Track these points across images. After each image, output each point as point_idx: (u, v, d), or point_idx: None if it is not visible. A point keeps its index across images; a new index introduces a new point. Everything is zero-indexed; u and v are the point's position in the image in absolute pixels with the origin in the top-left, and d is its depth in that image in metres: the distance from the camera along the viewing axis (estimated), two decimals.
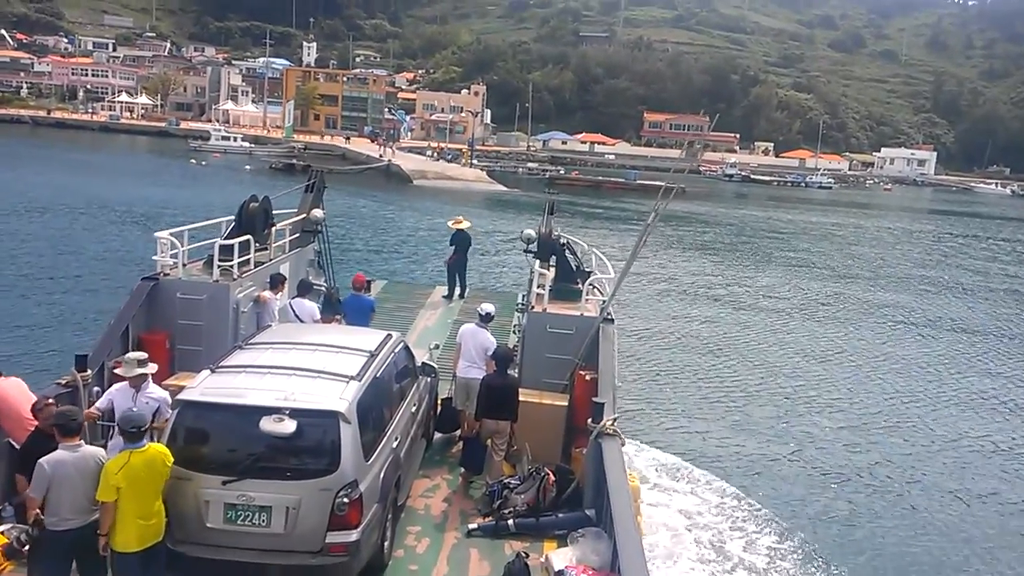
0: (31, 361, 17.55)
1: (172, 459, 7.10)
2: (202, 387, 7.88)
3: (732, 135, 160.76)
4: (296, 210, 16.91)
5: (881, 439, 18.85)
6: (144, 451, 6.97)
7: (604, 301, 12.65)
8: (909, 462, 17.61)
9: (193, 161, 77.43)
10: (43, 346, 19.64)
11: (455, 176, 75.65)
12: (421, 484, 10.41)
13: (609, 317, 12.16)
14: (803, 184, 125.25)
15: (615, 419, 9.33)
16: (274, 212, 15.06)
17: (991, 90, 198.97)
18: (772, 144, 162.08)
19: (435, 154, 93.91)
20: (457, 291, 19.05)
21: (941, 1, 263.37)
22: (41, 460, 6.87)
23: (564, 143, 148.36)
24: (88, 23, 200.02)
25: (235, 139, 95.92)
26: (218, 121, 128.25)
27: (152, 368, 8.65)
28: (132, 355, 8.71)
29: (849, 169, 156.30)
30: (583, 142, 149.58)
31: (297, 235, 16.45)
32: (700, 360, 24.09)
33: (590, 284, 13.50)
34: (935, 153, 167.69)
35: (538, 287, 13.13)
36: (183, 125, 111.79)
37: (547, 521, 9.32)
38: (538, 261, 14.51)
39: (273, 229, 15.00)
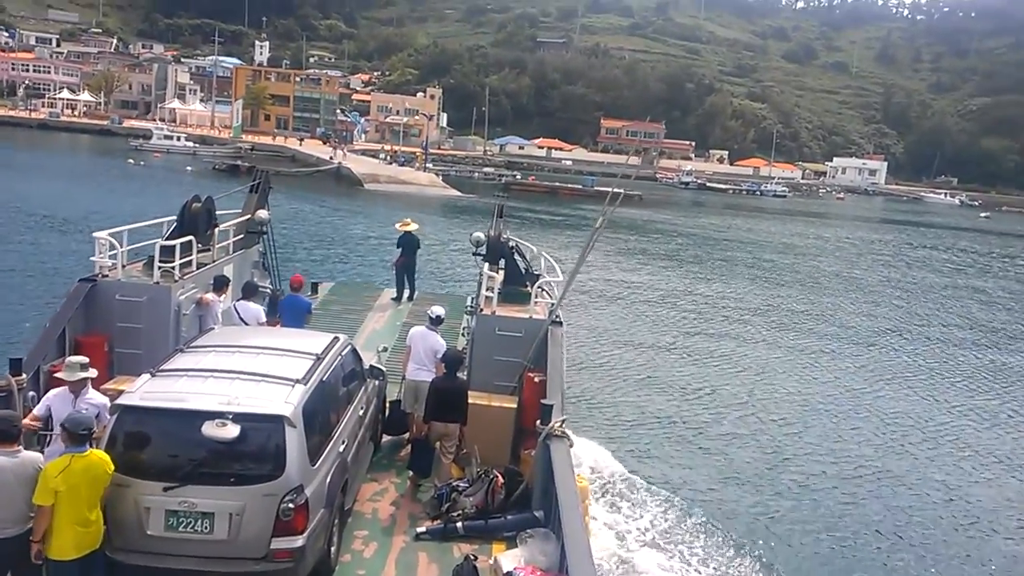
0: None
1: (113, 466, 6.85)
2: (142, 391, 7.57)
3: (687, 143, 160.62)
4: (241, 211, 16.34)
5: (822, 435, 19.16)
6: (85, 456, 6.73)
7: (553, 304, 12.54)
8: (853, 453, 18.11)
9: (131, 161, 73.35)
10: None
11: (408, 180, 72.82)
12: (369, 488, 10.20)
13: (558, 320, 12.00)
14: (758, 192, 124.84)
15: (563, 421, 9.27)
16: (218, 213, 14.56)
17: (939, 102, 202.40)
18: (727, 152, 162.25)
19: (388, 157, 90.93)
20: (406, 293, 18.85)
21: (890, 15, 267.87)
22: None
23: (521, 148, 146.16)
24: (32, 17, 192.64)
25: (178, 138, 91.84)
26: (163, 120, 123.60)
27: (93, 373, 8.33)
28: (74, 359, 8.34)
29: (802, 178, 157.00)
30: (540, 147, 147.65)
31: (242, 236, 15.92)
32: (650, 362, 24.08)
33: (539, 287, 13.29)
34: (885, 163, 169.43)
35: (487, 290, 12.90)
36: (126, 123, 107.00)
37: (496, 523, 9.23)
38: (487, 264, 14.21)
39: (216, 230, 14.46)
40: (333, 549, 8.24)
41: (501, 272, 13.88)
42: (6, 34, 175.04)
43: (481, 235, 15.71)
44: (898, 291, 43.60)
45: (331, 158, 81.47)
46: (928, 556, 14.24)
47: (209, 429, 6.98)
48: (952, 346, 30.75)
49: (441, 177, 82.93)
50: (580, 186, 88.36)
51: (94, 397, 8.18)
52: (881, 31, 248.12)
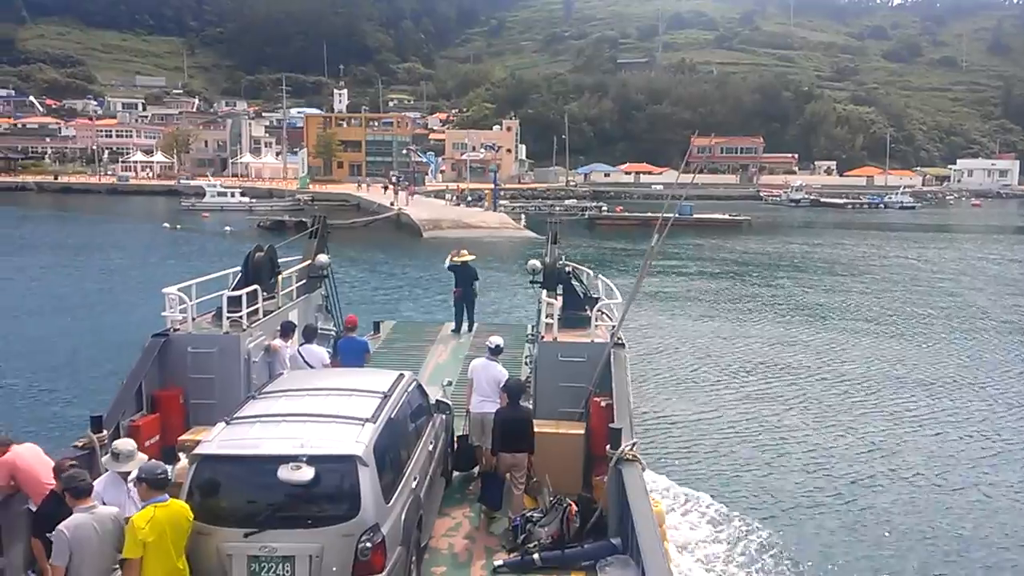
0: (45, 426, 16.22)
1: (192, 514, 6.77)
2: (218, 440, 7.48)
3: (790, 155, 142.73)
4: (301, 257, 16.01)
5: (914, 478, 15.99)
6: (168, 505, 6.66)
7: (614, 326, 12.11)
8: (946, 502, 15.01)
9: (167, 226, 63.24)
10: (53, 410, 18.08)
11: (474, 224, 59.49)
12: (443, 524, 9.83)
13: (620, 342, 11.67)
14: (881, 205, 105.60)
15: (634, 444, 9.00)
16: (280, 260, 14.32)
17: None
18: (835, 163, 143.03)
19: (455, 198, 78.99)
20: (465, 325, 18.21)
21: (998, 3, 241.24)
22: (60, 526, 6.46)
23: (607, 175, 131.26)
24: (121, 85, 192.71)
25: (232, 194, 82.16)
26: (238, 176, 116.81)
27: (144, 458, 7.51)
28: (124, 445, 7.60)
29: (923, 184, 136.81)
30: (627, 173, 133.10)
31: (304, 281, 15.71)
32: (716, 377, 22.46)
33: (598, 310, 12.84)
34: (1018, 162, 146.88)
35: (547, 316, 12.47)
36: (194, 182, 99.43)
37: (573, 552, 8.80)
38: (545, 291, 13.72)
39: (280, 277, 14.32)
40: None
41: (560, 298, 13.30)
42: (95, 103, 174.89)
43: (537, 263, 15.30)
44: None
45: (392, 204, 70.31)
46: None
47: (285, 473, 6.83)
48: None
49: (521, 215, 70.56)
50: (676, 214, 74.13)
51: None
52: (990, 20, 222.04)
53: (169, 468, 7.39)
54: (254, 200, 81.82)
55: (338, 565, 6.98)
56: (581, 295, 14.11)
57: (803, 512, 14.68)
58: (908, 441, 18.25)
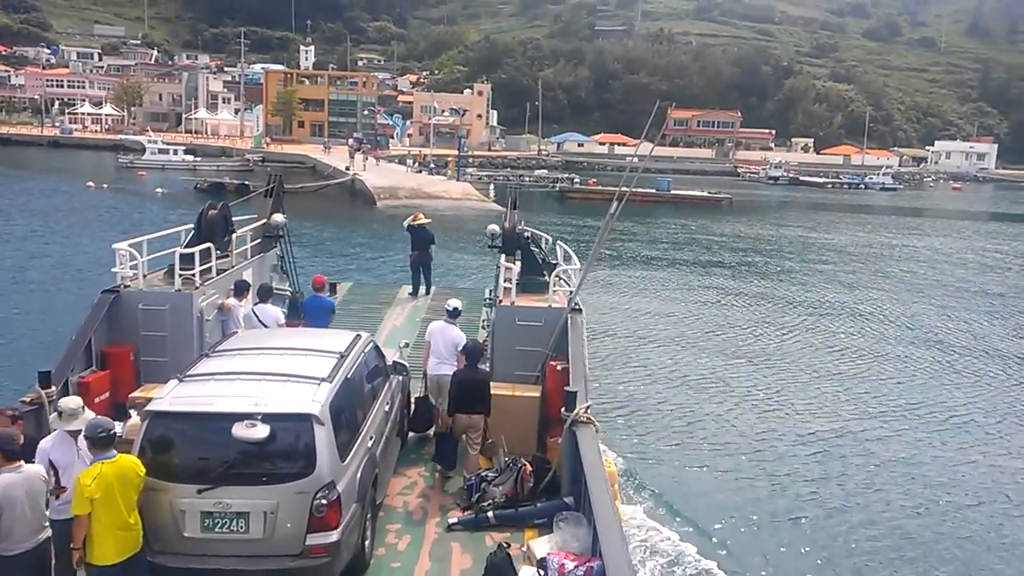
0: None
1: (144, 469, 6.70)
2: (171, 397, 7.42)
3: (767, 131, 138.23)
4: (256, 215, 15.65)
5: (858, 442, 16.73)
6: (115, 461, 6.58)
7: (571, 292, 12.14)
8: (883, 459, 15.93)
9: (91, 185, 55.89)
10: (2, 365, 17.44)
11: (435, 194, 53.44)
12: (398, 482, 9.91)
13: (577, 307, 11.71)
14: (861, 185, 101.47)
15: (588, 407, 9.07)
16: (234, 219, 14.09)
17: None
18: (812, 140, 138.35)
19: (417, 164, 71.81)
20: (422, 289, 18.36)
21: None
22: None
23: (580, 145, 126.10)
24: (78, 33, 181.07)
25: (175, 152, 74.86)
26: (192, 132, 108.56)
27: (90, 415, 7.28)
28: (70, 403, 7.34)
29: (899, 165, 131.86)
30: (601, 143, 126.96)
31: (259, 241, 15.34)
32: (674, 348, 22.86)
33: (556, 276, 12.88)
34: (995, 146, 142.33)
35: (505, 281, 12.52)
36: (137, 137, 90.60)
37: (526, 511, 9.02)
38: (504, 255, 13.78)
39: (234, 236, 14.10)
40: (367, 543, 7.97)
41: (518, 263, 13.55)
42: (48, 51, 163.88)
43: (496, 227, 15.27)
44: None
45: (347, 168, 62.92)
46: None
47: (239, 430, 6.81)
48: None
49: (490, 185, 63.54)
50: (653, 190, 67.35)
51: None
52: (970, 3, 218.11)
53: (118, 425, 7.44)
54: (199, 159, 74.63)
55: (293, 522, 6.97)
56: (539, 260, 14.11)
57: (752, 473, 15.01)
58: (863, 409, 18.60)
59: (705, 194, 69.33)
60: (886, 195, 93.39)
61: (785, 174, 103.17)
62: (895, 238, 53.33)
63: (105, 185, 57.26)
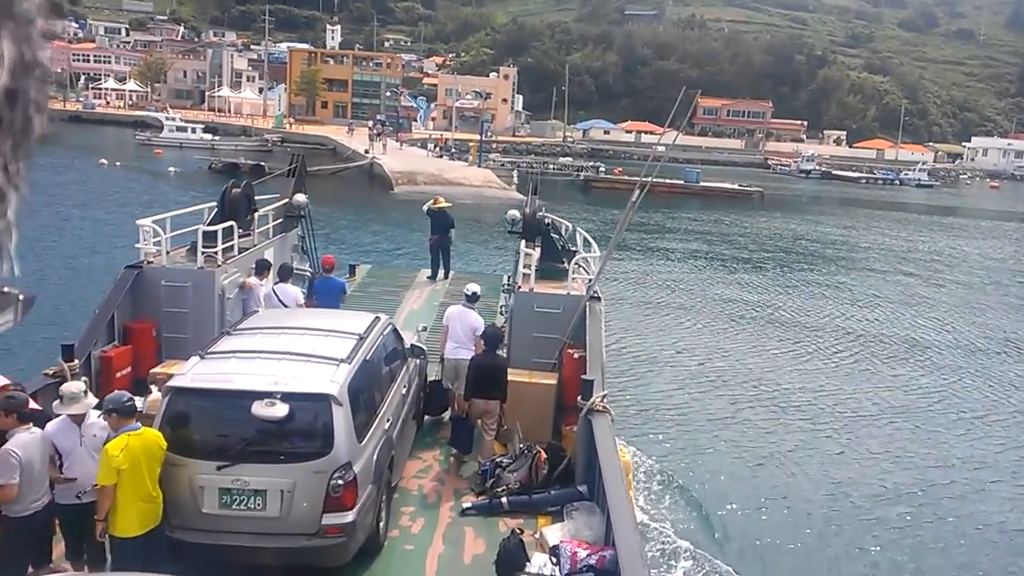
0: (15, 354, 15.40)
1: (166, 443, 6.85)
2: (192, 373, 7.54)
3: (799, 122, 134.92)
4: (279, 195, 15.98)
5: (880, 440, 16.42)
6: (141, 433, 6.71)
7: (590, 279, 12.29)
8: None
9: (104, 162, 54.68)
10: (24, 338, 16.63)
11: (455, 180, 51.66)
12: (413, 465, 9.98)
13: (596, 295, 11.71)
14: (896, 181, 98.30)
15: (604, 396, 9.11)
16: (256, 197, 14.36)
17: None
18: (845, 132, 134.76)
19: (438, 148, 69.69)
20: (441, 272, 18.47)
21: None
22: (9, 447, 6.50)
23: (607, 132, 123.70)
24: (106, 8, 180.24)
25: (193, 130, 73.44)
26: (216, 110, 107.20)
27: (94, 400, 7.29)
28: (72, 387, 7.20)
29: (934, 161, 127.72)
30: (628, 131, 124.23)
31: (280, 220, 15.59)
32: (695, 342, 22.69)
33: (576, 263, 12.74)
34: None
35: (524, 267, 12.57)
36: (157, 114, 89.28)
37: (540, 498, 9.02)
38: (523, 242, 13.78)
39: (256, 215, 14.29)
40: (382, 524, 8.05)
41: (537, 249, 13.35)
42: (75, 25, 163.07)
43: (516, 213, 15.27)
44: None
45: (367, 151, 60.97)
46: None
47: (258, 409, 6.88)
48: None
49: (514, 172, 61.23)
50: (681, 181, 64.72)
51: (99, 421, 7.09)
52: None
53: (138, 400, 7.59)
54: (218, 138, 73.04)
55: (309, 500, 7.02)
56: (559, 247, 14.08)
57: (769, 468, 14.82)
58: (887, 410, 18.25)
59: (735, 187, 66.78)
60: (922, 192, 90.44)
61: (817, 167, 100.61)
62: (935, 240, 51.12)
63: (119, 163, 56.08)
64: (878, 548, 12.53)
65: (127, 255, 11.80)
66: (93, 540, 6.78)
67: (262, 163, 51.15)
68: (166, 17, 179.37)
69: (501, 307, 15.50)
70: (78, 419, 7.05)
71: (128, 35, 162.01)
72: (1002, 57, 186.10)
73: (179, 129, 73.52)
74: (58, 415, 7.13)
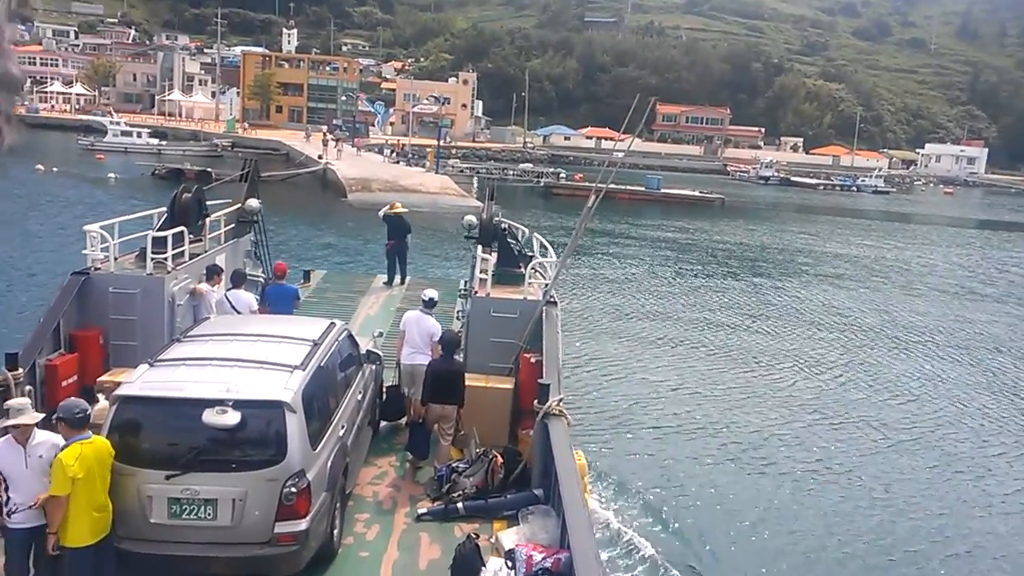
0: None
1: (113, 451, 6.78)
2: (140, 381, 7.39)
3: (756, 129, 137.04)
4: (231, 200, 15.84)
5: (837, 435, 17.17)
6: (92, 442, 6.64)
7: (547, 284, 12.28)
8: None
9: (40, 168, 52.88)
10: None
11: (410, 187, 51.07)
12: (368, 472, 9.92)
13: (552, 300, 11.77)
14: (854, 188, 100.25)
15: (560, 400, 9.15)
16: (208, 202, 14.15)
17: None
18: (802, 139, 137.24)
19: (395, 154, 69.13)
20: (397, 279, 18.52)
21: None
22: None
23: (567, 139, 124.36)
24: (54, 10, 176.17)
25: (138, 134, 71.84)
26: (166, 115, 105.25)
27: (37, 417, 6.90)
28: (15, 403, 6.93)
29: (889, 167, 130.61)
30: (588, 137, 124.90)
31: (233, 225, 15.41)
32: (652, 347, 23.02)
33: (532, 268, 12.96)
34: (986, 150, 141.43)
35: (481, 272, 12.58)
36: (108, 118, 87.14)
37: (496, 502, 9.03)
38: (480, 247, 13.63)
39: (208, 220, 14.05)
40: (336, 532, 8.02)
41: (494, 254, 13.42)
42: (22, 27, 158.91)
43: (473, 218, 15.42)
44: None
45: (320, 156, 60.24)
46: None
47: (209, 416, 6.79)
48: None
49: (473, 178, 60.91)
50: (642, 188, 65.18)
51: (45, 438, 6.83)
52: (960, 5, 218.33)
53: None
54: (164, 143, 71.44)
55: (261, 509, 6.95)
56: (516, 252, 14.19)
57: (723, 469, 15.10)
58: (839, 411, 18.66)
59: (697, 193, 67.39)
60: (879, 199, 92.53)
61: (776, 174, 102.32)
62: (900, 248, 51.37)
63: (55, 168, 54.13)
64: (836, 543, 12.77)
65: (65, 262, 11.60)
66: (45, 554, 6.55)
67: (208, 169, 50.02)
68: (116, 20, 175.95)
69: (458, 312, 15.52)
70: (22, 438, 6.73)
71: (77, 38, 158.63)
72: (953, 66, 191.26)
73: (124, 134, 71.87)
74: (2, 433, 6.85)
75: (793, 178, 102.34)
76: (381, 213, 18.70)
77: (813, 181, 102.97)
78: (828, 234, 55.28)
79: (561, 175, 73.50)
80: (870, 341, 25.74)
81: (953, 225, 70.38)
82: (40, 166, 53.23)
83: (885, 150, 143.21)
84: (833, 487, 14.70)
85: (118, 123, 73.94)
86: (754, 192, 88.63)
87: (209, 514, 6.90)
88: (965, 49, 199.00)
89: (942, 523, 13.71)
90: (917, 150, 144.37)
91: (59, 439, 6.80)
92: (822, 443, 16.65)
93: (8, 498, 6.61)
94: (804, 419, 18.02)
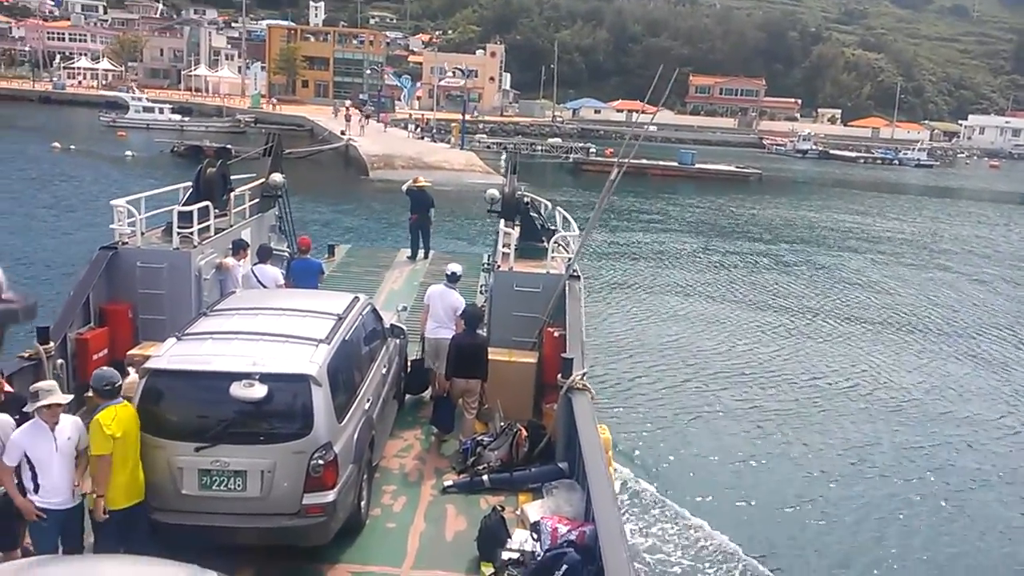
0: None
1: (144, 425, 6.98)
2: (169, 355, 7.50)
3: (793, 101, 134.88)
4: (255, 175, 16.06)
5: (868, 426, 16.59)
6: (126, 405, 6.83)
7: (570, 258, 12.30)
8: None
9: (56, 146, 53.11)
10: None
11: (435, 164, 50.76)
12: (394, 445, 10.04)
13: (575, 274, 11.86)
14: (895, 161, 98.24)
15: (584, 374, 9.26)
16: (232, 177, 14.42)
17: None
18: (839, 111, 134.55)
19: (419, 129, 68.81)
20: (421, 252, 18.73)
21: None
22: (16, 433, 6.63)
23: (597, 112, 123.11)
24: None
25: (160, 110, 72.19)
26: (193, 90, 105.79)
27: (68, 398, 7.00)
28: (43, 385, 6.89)
29: (931, 140, 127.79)
30: (619, 110, 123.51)
31: (257, 200, 15.59)
32: (678, 323, 22.89)
33: (555, 242, 12.88)
34: None
35: (504, 246, 12.61)
36: (130, 94, 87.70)
37: (521, 475, 9.10)
38: (503, 221, 13.59)
39: (232, 195, 14.22)
40: (363, 504, 8.15)
41: (517, 228, 13.54)
42: (51, 2, 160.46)
43: (496, 192, 15.24)
44: None
45: (342, 132, 60.17)
46: None
47: (237, 390, 6.92)
48: None
49: (501, 154, 60.20)
50: (676, 163, 64.34)
51: (72, 421, 6.90)
52: None
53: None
54: (187, 119, 71.71)
55: (289, 481, 7.09)
56: (539, 226, 14.31)
57: (747, 445, 15.04)
58: (866, 393, 18.28)
59: (732, 169, 66.22)
60: (921, 172, 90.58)
61: (814, 147, 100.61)
62: (948, 224, 49.91)
63: (72, 147, 53.92)
64: (857, 521, 12.81)
65: (85, 241, 11.77)
66: (93, 519, 6.71)
67: (228, 145, 49.87)
68: None
69: (481, 286, 15.66)
70: (52, 419, 6.73)
71: (105, 13, 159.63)
72: (996, 34, 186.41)
73: (146, 110, 72.00)
74: (29, 416, 6.79)
75: (832, 151, 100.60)
76: (404, 187, 18.97)
77: (853, 154, 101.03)
78: (874, 210, 53.98)
79: (591, 150, 72.63)
80: (925, 328, 24.82)
81: (1005, 201, 68.48)
82: (56, 144, 53.35)
83: (926, 122, 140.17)
84: (870, 474, 14.45)
85: (140, 99, 74.13)
86: (792, 166, 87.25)
87: (238, 486, 7.04)
88: (1009, 17, 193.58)
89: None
90: (960, 122, 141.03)
91: (82, 423, 6.92)
92: (858, 429, 16.37)
93: (37, 485, 6.62)
94: (840, 402, 17.74)
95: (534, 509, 8.11)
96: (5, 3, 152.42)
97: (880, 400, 18.09)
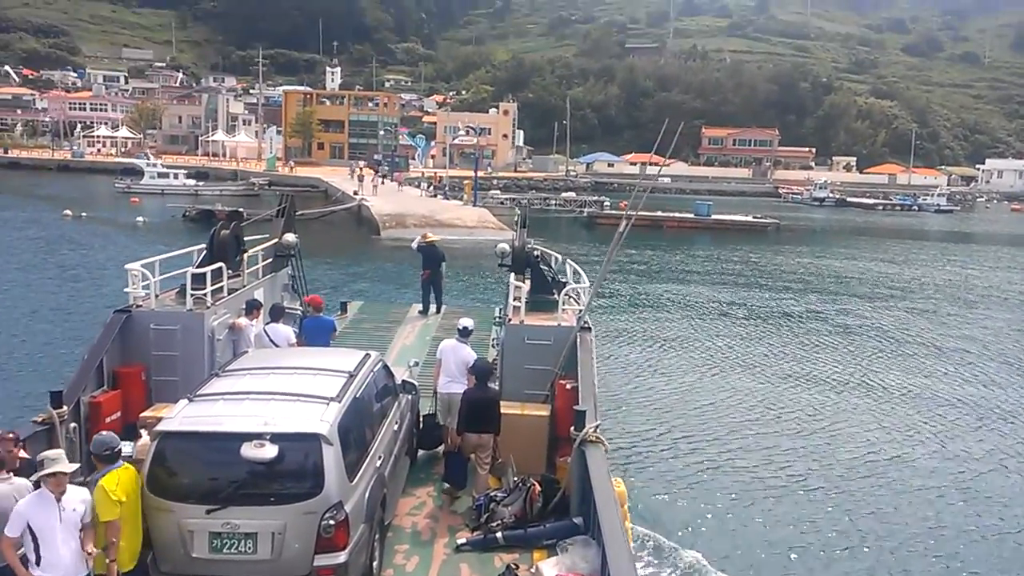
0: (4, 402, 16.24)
1: (156, 488, 7.04)
2: (180, 416, 7.54)
3: (807, 149, 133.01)
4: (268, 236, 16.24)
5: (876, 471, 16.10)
6: (126, 468, 6.89)
7: (581, 310, 12.24)
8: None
9: (68, 213, 51.98)
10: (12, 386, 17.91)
11: (447, 221, 49.17)
12: (407, 502, 9.97)
13: (586, 326, 11.77)
14: (914, 207, 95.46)
15: (597, 426, 9.15)
16: (246, 238, 14.59)
17: None
18: (855, 159, 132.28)
19: (432, 187, 66.92)
20: (432, 307, 18.82)
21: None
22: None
23: (611, 165, 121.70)
24: (106, 57, 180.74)
25: (175, 176, 71.25)
26: (210, 155, 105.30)
27: (73, 466, 6.85)
28: (51, 453, 6.85)
29: (948, 184, 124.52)
30: (632, 163, 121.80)
31: (270, 260, 15.72)
32: (692, 375, 22.34)
33: (566, 294, 12.98)
34: None
35: (514, 299, 12.62)
36: (144, 160, 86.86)
37: (535, 531, 8.96)
38: (513, 274, 13.82)
39: (246, 255, 14.40)
40: (375, 564, 8.06)
41: (527, 281, 13.63)
42: (74, 74, 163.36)
43: (506, 246, 15.40)
44: None
45: (355, 192, 58.26)
46: None
47: (247, 450, 6.87)
48: None
49: (516, 210, 57.73)
50: (692, 215, 61.67)
51: (78, 493, 6.74)
52: (1014, 17, 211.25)
53: (128, 445, 7.65)
54: (201, 183, 70.40)
55: (301, 542, 7.03)
56: (549, 279, 14.32)
57: (765, 499, 14.75)
58: (886, 446, 17.54)
59: (749, 219, 63.66)
60: (943, 218, 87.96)
61: (831, 195, 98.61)
62: (978, 270, 47.66)
63: (84, 214, 53.77)
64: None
65: (91, 311, 11.77)
66: None
67: (240, 209, 48.10)
68: (165, 64, 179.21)
69: (493, 340, 15.68)
70: (58, 489, 6.56)
71: (127, 83, 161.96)
72: (1009, 79, 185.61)
73: (160, 175, 71.59)
74: (36, 487, 6.67)
75: (849, 199, 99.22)
76: (414, 244, 19.08)
77: (871, 201, 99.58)
78: (900, 258, 51.90)
79: (605, 203, 71.53)
80: (958, 378, 23.10)
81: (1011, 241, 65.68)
82: (68, 211, 52.89)
83: (943, 167, 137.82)
84: (901, 537, 13.52)
85: (155, 164, 73.44)
86: (810, 215, 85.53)
87: (249, 548, 6.97)
88: (1021, 62, 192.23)
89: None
90: (977, 166, 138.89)
91: (89, 496, 6.77)
92: (889, 490, 15.42)
93: (39, 557, 6.40)
94: (867, 460, 16.78)
95: (549, 566, 8.02)
96: (30, 76, 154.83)
97: (913, 464, 16.72)
